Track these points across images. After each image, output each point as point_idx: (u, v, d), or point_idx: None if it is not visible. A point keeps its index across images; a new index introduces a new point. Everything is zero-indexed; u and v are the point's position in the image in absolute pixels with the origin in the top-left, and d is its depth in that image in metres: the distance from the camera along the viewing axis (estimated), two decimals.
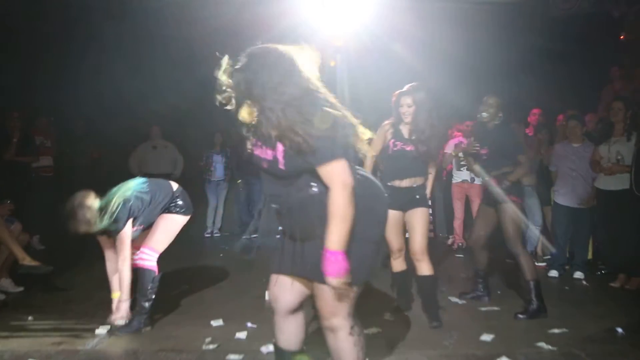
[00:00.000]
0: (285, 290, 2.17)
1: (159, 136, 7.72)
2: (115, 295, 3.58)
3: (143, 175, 7.49)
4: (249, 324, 3.60)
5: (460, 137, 6.78)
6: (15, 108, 6.22)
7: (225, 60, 2.16)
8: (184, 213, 3.74)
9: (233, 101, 2.05)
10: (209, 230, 7.74)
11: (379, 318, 3.83)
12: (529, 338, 3.39)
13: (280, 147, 1.93)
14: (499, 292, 4.72)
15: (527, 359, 3.08)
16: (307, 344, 3.26)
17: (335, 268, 1.85)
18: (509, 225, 3.94)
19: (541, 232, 5.81)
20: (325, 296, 1.98)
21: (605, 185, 4.98)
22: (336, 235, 1.85)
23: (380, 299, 4.31)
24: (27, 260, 4.10)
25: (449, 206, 7.06)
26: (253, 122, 2.03)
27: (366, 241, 2.00)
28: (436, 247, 7.06)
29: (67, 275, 4.92)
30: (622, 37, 7.06)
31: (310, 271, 1.99)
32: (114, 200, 3.38)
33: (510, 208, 3.96)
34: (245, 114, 2.05)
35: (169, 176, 7.70)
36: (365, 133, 2.15)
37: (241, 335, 3.42)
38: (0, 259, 4.36)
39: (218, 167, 7.67)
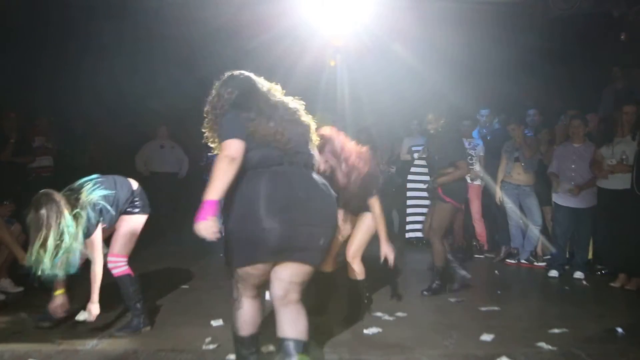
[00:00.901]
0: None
1: (167, 136, 7.75)
2: (60, 292, 3.42)
3: (149, 174, 7.58)
4: None
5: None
6: (15, 108, 6.21)
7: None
8: (143, 212, 3.64)
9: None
10: None
11: (379, 318, 3.83)
12: (529, 338, 3.39)
13: None
14: (498, 292, 4.73)
15: (527, 359, 3.08)
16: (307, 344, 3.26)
17: (203, 213, 2.24)
18: (436, 220, 4.55)
19: (541, 232, 5.81)
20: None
21: (608, 184, 4.99)
22: (210, 188, 2.28)
23: (380, 299, 4.31)
24: (27, 261, 4.09)
25: None
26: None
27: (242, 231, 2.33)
28: None
29: (67, 276, 4.91)
30: (622, 37, 7.05)
31: None
32: (83, 212, 3.20)
33: (441, 208, 4.51)
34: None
35: (174, 176, 7.73)
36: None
37: None
38: (0, 259, 4.36)
39: None
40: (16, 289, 4.48)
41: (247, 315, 2.48)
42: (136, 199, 3.60)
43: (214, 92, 2.60)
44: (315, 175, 2.46)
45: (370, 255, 6.08)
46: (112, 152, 7.66)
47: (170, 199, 7.69)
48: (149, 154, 7.69)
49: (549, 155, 5.70)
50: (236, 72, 2.63)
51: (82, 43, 7.06)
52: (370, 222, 3.78)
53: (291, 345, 2.33)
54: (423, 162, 7.23)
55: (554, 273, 5.30)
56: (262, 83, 2.62)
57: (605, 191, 5.03)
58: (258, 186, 2.32)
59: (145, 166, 7.60)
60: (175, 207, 7.80)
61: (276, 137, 2.37)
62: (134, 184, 3.65)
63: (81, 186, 3.34)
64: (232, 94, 2.52)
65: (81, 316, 3.47)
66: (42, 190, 3.12)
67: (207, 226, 2.21)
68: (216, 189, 2.27)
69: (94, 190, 3.32)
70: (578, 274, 5.18)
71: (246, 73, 2.64)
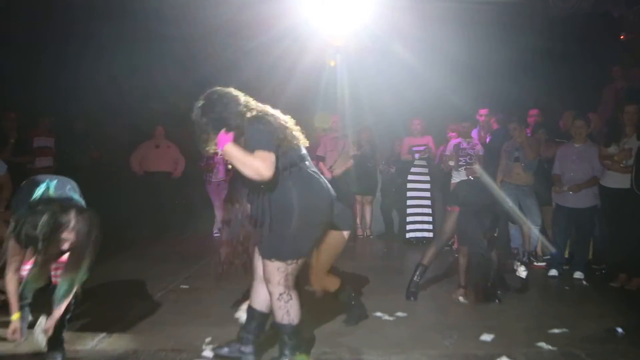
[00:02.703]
0: (258, 261, 2.83)
1: (163, 136, 7.76)
2: (17, 316, 2.93)
3: (143, 174, 7.59)
4: None
5: (458, 138, 6.78)
6: (15, 108, 6.21)
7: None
8: None
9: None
10: (216, 230, 7.75)
11: (379, 318, 3.83)
12: (529, 338, 3.40)
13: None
14: (498, 292, 4.72)
15: (527, 359, 3.08)
16: (306, 344, 3.27)
17: (222, 141, 2.56)
18: None
19: (540, 231, 5.81)
20: (265, 268, 2.68)
21: (610, 183, 4.99)
22: (237, 154, 2.54)
23: (380, 300, 4.31)
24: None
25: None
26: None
27: (308, 225, 2.65)
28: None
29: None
30: (622, 37, 7.06)
31: (260, 250, 2.74)
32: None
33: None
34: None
35: (169, 175, 7.74)
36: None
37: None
38: (0, 259, 4.35)
39: (220, 168, 7.68)
40: None
41: (298, 304, 2.72)
42: None
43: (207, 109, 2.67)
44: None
45: (370, 255, 6.15)
46: (112, 152, 7.67)
47: (166, 198, 7.70)
48: (144, 153, 7.70)
49: (546, 153, 5.71)
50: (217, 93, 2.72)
51: (82, 43, 7.07)
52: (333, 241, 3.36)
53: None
54: (423, 162, 7.24)
55: (553, 272, 5.30)
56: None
57: (607, 190, 5.04)
58: (310, 181, 2.68)
59: (140, 166, 7.61)
60: (172, 207, 7.81)
61: (293, 142, 2.68)
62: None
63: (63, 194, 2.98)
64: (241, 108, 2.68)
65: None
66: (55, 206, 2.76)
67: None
68: (236, 157, 2.55)
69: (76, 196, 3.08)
70: (578, 274, 5.17)
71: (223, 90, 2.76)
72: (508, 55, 6.99)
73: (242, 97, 2.72)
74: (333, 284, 3.60)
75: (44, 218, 2.63)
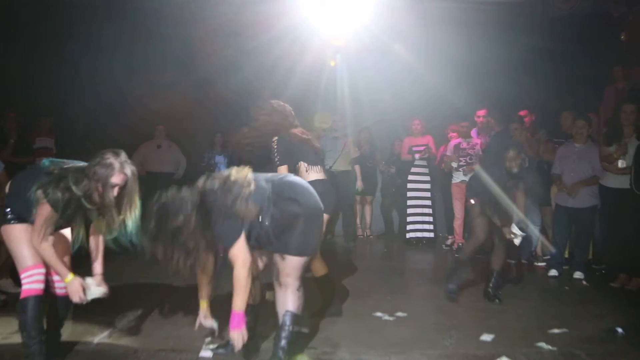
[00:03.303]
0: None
1: (164, 136, 7.75)
2: (70, 276, 2.82)
3: (145, 174, 7.57)
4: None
5: (458, 138, 6.78)
6: (15, 108, 6.21)
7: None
8: None
9: None
10: None
11: (379, 318, 3.83)
12: (529, 338, 3.40)
13: None
14: (499, 292, 4.72)
15: (527, 359, 3.08)
16: (305, 343, 3.27)
17: (237, 324, 2.65)
18: None
19: (540, 231, 5.81)
20: (287, 264, 2.80)
21: (610, 183, 4.99)
22: (240, 300, 2.65)
23: (380, 300, 4.31)
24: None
25: (448, 206, 7.06)
26: None
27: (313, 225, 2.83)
28: (436, 247, 7.08)
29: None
30: (622, 37, 7.06)
31: (277, 247, 2.83)
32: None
33: None
34: None
35: (171, 176, 7.74)
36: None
37: None
38: (0, 259, 4.36)
39: (221, 168, 7.68)
40: (16, 289, 4.45)
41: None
42: None
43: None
44: None
45: (370, 255, 6.16)
46: None
47: None
48: (146, 153, 7.68)
49: (547, 153, 5.71)
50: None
51: (82, 43, 7.06)
52: None
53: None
54: (423, 162, 7.24)
55: (553, 272, 5.30)
56: None
57: (607, 190, 5.04)
58: (291, 187, 2.86)
59: (142, 166, 7.59)
60: None
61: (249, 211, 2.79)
62: None
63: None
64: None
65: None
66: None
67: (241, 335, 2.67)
68: (244, 299, 2.70)
69: None
70: (578, 274, 5.18)
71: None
72: (508, 55, 6.99)
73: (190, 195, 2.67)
74: (322, 268, 3.84)
75: (73, 176, 2.67)
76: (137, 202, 2.81)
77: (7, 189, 2.88)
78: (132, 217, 2.79)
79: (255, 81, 7.79)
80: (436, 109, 7.40)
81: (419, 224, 7.22)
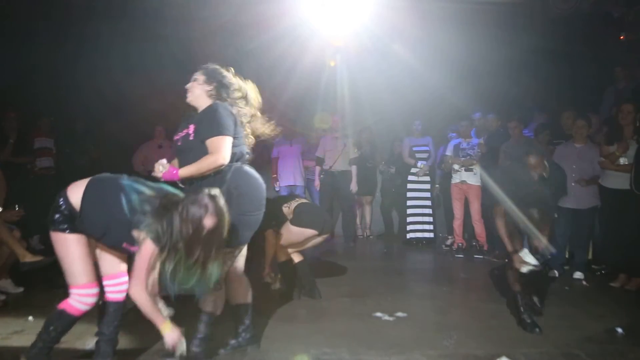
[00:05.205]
0: None
1: (164, 136, 7.74)
2: (168, 325, 2.64)
3: (147, 173, 7.55)
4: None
5: (458, 138, 6.78)
6: (15, 108, 6.21)
7: None
8: None
9: None
10: None
11: (379, 318, 3.83)
12: (529, 338, 3.40)
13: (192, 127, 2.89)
14: (498, 292, 4.72)
15: (527, 359, 3.08)
16: (305, 343, 3.27)
17: (169, 176, 2.78)
18: None
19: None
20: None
21: (610, 184, 4.99)
22: (186, 171, 2.77)
23: (380, 300, 4.31)
24: (28, 257, 4.10)
25: (448, 207, 7.06)
26: None
27: (247, 214, 2.80)
28: (436, 247, 7.08)
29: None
30: (621, 37, 7.06)
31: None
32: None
33: None
34: None
35: None
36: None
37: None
38: (0, 259, 4.36)
39: None
40: (16, 289, 4.47)
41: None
42: None
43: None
44: None
45: (370, 255, 6.15)
46: (112, 152, 7.66)
47: None
48: (147, 153, 7.67)
49: (548, 157, 5.69)
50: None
51: (82, 43, 7.06)
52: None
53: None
54: (423, 163, 7.24)
55: (554, 273, 5.30)
56: None
57: (607, 190, 5.04)
58: (247, 174, 2.92)
59: (143, 166, 7.59)
60: None
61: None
62: None
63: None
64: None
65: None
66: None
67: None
68: (189, 173, 2.82)
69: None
70: (578, 274, 5.18)
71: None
72: (508, 55, 6.99)
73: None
74: (285, 255, 4.38)
75: (173, 217, 2.41)
76: (221, 252, 2.55)
77: (75, 197, 2.56)
78: (214, 268, 2.49)
79: (255, 81, 7.78)
80: (436, 109, 7.40)
81: (419, 224, 7.23)
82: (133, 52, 7.22)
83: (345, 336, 3.41)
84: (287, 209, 4.26)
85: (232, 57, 7.36)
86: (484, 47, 6.88)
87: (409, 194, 7.24)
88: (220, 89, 2.96)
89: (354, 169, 7.13)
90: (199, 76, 3.01)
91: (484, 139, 6.61)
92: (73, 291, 2.59)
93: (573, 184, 5.26)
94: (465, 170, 6.53)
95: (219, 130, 2.76)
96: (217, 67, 3.04)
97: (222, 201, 2.49)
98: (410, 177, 7.24)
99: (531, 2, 6.85)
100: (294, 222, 4.18)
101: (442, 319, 3.84)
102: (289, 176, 7.33)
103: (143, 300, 2.49)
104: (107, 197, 2.53)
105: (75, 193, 2.58)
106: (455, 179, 6.69)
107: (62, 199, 2.59)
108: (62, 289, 4.55)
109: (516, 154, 5.78)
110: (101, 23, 6.78)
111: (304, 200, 4.45)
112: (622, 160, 4.88)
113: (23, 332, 3.50)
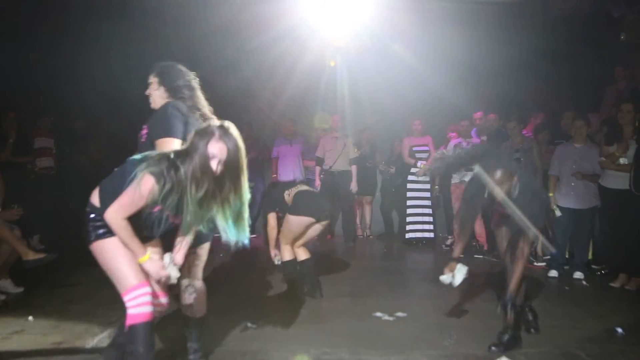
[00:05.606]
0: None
1: None
2: (146, 257, 2.43)
3: None
4: (249, 324, 3.60)
5: (458, 138, 6.78)
6: (14, 108, 6.20)
7: None
8: None
9: None
10: None
11: (379, 318, 3.83)
12: (529, 338, 3.40)
13: None
14: (498, 292, 4.72)
15: (527, 359, 3.08)
16: (305, 343, 3.27)
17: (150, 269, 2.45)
18: None
19: (541, 231, 5.80)
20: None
21: (610, 184, 4.99)
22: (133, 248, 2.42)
23: (380, 300, 4.31)
24: (31, 255, 4.11)
25: (448, 207, 7.06)
26: None
27: None
28: (436, 247, 7.08)
29: (67, 275, 4.92)
30: (621, 37, 7.06)
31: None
32: None
33: None
34: None
35: None
36: None
37: (241, 335, 3.42)
38: (0, 259, 4.36)
39: None
40: (16, 289, 4.48)
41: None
42: None
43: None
44: None
45: (370, 255, 6.12)
46: (112, 152, 7.65)
47: None
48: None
49: (548, 157, 5.70)
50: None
51: (82, 43, 7.06)
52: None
53: None
54: (423, 163, 7.24)
55: (553, 273, 5.30)
56: None
57: (607, 190, 5.04)
58: None
59: None
60: None
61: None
62: None
63: None
64: None
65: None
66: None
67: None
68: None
69: None
70: (578, 274, 5.18)
71: None
72: (508, 55, 6.99)
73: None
74: (289, 254, 4.37)
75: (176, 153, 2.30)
76: (243, 186, 2.34)
77: (96, 199, 2.44)
78: (233, 205, 2.32)
79: (255, 81, 7.79)
80: (436, 109, 7.39)
81: (419, 224, 7.22)
82: (133, 52, 7.21)
83: (345, 336, 3.42)
84: (288, 196, 4.29)
85: (232, 57, 7.37)
86: (484, 47, 6.88)
87: (409, 194, 7.24)
88: (173, 87, 2.94)
89: (354, 168, 7.12)
90: (152, 79, 3.02)
91: (485, 138, 6.61)
92: (127, 298, 2.36)
93: (573, 184, 5.26)
94: (465, 170, 6.51)
95: (165, 132, 2.69)
96: (168, 64, 3.02)
97: (235, 131, 2.30)
98: (410, 177, 7.24)
99: (531, 2, 6.85)
100: (291, 211, 4.22)
101: (442, 319, 3.84)
102: (289, 174, 7.33)
103: (119, 224, 2.27)
104: (117, 175, 2.45)
105: (94, 194, 2.46)
106: (455, 179, 6.68)
107: (88, 208, 2.44)
108: (62, 288, 4.61)
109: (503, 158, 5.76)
110: (101, 23, 6.77)
111: (304, 188, 4.44)
112: (622, 160, 4.88)
113: (23, 332, 3.51)
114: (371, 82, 7.64)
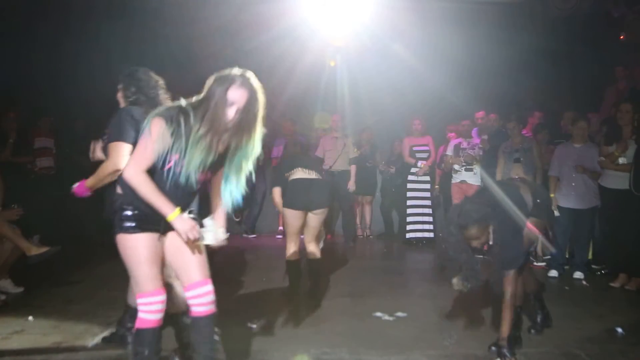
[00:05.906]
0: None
1: None
2: (177, 212, 2.24)
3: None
4: (249, 324, 3.60)
5: (458, 138, 6.78)
6: (14, 108, 6.20)
7: None
8: None
9: None
10: None
11: (379, 318, 3.83)
12: (529, 338, 3.40)
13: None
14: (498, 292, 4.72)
15: (527, 359, 3.08)
16: (305, 343, 3.27)
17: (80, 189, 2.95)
18: None
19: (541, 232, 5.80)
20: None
21: (610, 184, 4.99)
22: (91, 181, 2.89)
23: (380, 300, 4.31)
24: (33, 250, 4.10)
25: (448, 207, 7.05)
26: None
27: None
28: (436, 247, 7.07)
29: (67, 275, 4.93)
30: (621, 37, 7.06)
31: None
32: None
33: None
34: None
35: None
36: None
37: (241, 335, 3.42)
38: (0, 259, 4.36)
39: None
40: (16, 289, 4.47)
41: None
42: None
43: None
44: None
45: (370, 255, 6.10)
46: None
47: None
48: None
49: (548, 156, 5.70)
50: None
51: (82, 43, 7.06)
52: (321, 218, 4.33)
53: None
54: (424, 162, 7.24)
55: (553, 273, 5.30)
56: None
57: (606, 190, 5.04)
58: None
59: None
60: None
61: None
62: None
63: None
64: None
65: None
66: None
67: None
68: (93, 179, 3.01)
69: None
70: (578, 274, 5.18)
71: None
72: (508, 55, 6.99)
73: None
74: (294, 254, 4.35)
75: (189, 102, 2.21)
76: (256, 138, 2.28)
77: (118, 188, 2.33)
78: (247, 152, 2.28)
79: None
80: (436, 109, 7.39)
81: (419, 224, 7.22)
82: (133, 52, 7.22)
83: (345, 336, 3.42)
84: (287, 179, 4.31)
85: (232, 57, 7.36)
86: (484, 47, 6.89)
87: (409, 194, 7.24)
88: (130, 93, 3.07)
89: (352, 168, 7.12)
90: (119, 85, 3.15)
91: (486, 138, 6.61)
92: (140, 301, 2.34)
93: (573, 184, 5.26)
94: (465, 170, 6.52)
95: (116, 137, 2.78)
96: (131, 70, 3.13)
97: (256, 81, 2.26)
98: (410, 177, 7.24)
99: (531, 2, 6.85)
100: (284, 203, 4.25)
101: (442, 319, 3.84)
102: None
103: (138, 180, 2.16)
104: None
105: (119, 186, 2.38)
106: (456, 178, 6.69)
107: (115, 197, 2.34)
108: (62, 288, 4.60)
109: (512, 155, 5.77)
110: (101, 23, 6.78)
111: (300, 176, 4.27)
112: (621, 160, 4.88)
113: (23, 332, 3.51)
114: (371, 82, 7.64)
